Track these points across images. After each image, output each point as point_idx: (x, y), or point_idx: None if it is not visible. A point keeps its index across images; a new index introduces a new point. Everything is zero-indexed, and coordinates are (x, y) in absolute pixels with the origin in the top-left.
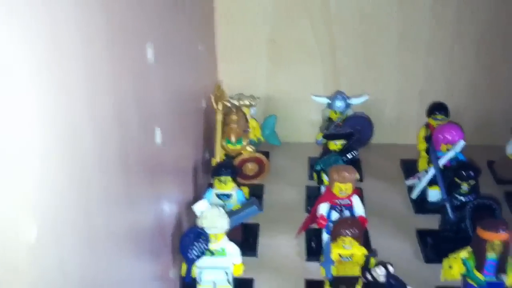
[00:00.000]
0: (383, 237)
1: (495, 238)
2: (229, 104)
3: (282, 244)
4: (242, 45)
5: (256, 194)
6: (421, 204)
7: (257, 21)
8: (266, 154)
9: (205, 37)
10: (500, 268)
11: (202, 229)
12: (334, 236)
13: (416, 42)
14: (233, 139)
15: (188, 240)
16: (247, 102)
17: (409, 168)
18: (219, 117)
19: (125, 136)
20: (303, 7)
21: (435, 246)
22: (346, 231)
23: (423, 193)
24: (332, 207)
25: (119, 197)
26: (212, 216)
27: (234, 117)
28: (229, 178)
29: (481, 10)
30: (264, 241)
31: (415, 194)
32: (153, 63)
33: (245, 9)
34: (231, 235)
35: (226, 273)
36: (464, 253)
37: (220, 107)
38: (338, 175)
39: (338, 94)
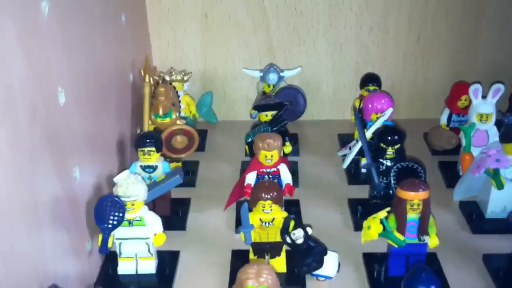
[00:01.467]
0: (315, 207)
1: (415, 198)
2: (157, 78)
3: (212, 218)
4: (174, 20)
5: (191, 170)
6: (354, 175)
7: None
8: (204, 132)
9: (132, 9)
10: (422, 229)
11: (118, 197)
12: (253, 201)
13: (347, 14)
14: (160, 112)
15: (103, 209)
16: (178, 77)
17: (346, 142)
18: (147, 90)
19: (11, 87)
20: None
21: (364, 214)
22: (265, 194)
23: (357, 164)
24: (260, 176)
25: (8, 164)
26: (127, 184)
27: (161, 89)
28: (153, 149)
29: None
30: (194, 216)
31: (345, 163)
32: (48, 18)
33: None
34: (160, 209)
35: (147, 244)
36: (383, 213)
37: (147, 79)
38: (263, 142)
39: (271, 67)
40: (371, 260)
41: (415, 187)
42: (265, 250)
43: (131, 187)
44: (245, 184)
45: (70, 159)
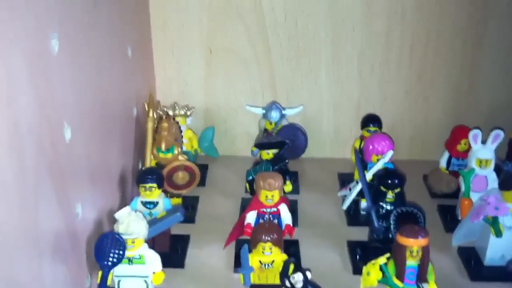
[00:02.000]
0: (314, 247)
1: (414, 245)
2: (161, 112)
3: (211, 256)
4: (178, 54)
5: (190, 205)
6: (354, 216)
7: (192, 30)
8: (204, 167)
9: (138, 43)
10: (420, 275)
11: (118, 234)
12: (253, 242)
13: (350, 52)
14: (163, 147)
15: (103, 246)
16: (181, 112)
17: (346, 181)
18: (150, 125)
19: (19, 124)
20: (238, 16)
21: (363, 257)
22: (265, 236)
23: (357, 205)
24: (260, 216)
25: (12, 198)
26: (128, 221)
27: (165, 124)
28: (154, 185)
29: (410, 20)
30: (193, 252)
31: (345, 205)
32: (58, 56)
33: (181, 18)
34: (159, 246)
35: (146, 282)
36: (383, 259)
37: (150, 114)
38: (264, 182)
39: (273, 104)
40: None
41: (415, 233)
42: None
43: (133, 224)
44: (245, 223)
45: (73, 195)
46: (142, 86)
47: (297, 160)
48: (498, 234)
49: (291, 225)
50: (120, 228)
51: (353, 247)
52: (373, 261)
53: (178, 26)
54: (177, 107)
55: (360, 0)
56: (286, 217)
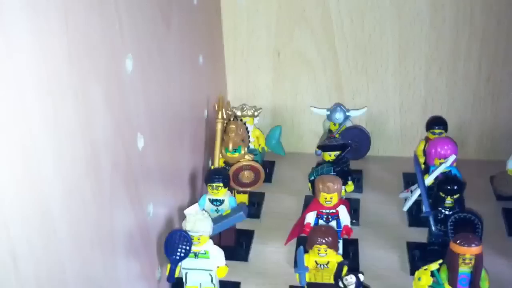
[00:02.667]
0: (373, 247)
1: (467, 253)
2: (230, 113)
3: (274, 251)
4: (248, 57)
5: (256, 202)
6: (415, 217)
7: (262, 34)
8: (272, 164)
9: (210, 50)
10: (474, 283)
11: (186, 231)
12: (309, 244)
13: (417, 54)
14: (230, 147)
15: (172, 242)
16: (249, 113)
17: (410, 181)
18: (219, 126)
19: (96, 142)
20: (305, 20)
21: (421, 259)
22: (320, 238)
23: (419, 206)
24: (319, 216)
25: (87, 199)
26: (194, 220)
27: (232, 126)
28: (221, 184)
29: (479, 22)
30: (256, 247)
31: (406, 206)
32: (132, 74)
33: (250, 23)
34: (225, 240)
35: (210, 275)
36: (435, 265)
37: (220, 116)
38: (323, 185)
39: (337, 106)
40: None
41: (468, 242)
42: None
43: (198, 223)
44: (304, 223)
45: (145, 196)
46: (213, 89)
47: (363, 158)
48: None
49: (349, 226)
50: (187, 226)
51: (412, 248)
52: (425, 267)
53: (248, 32)
54: (245, 108)
55: (427, 2)
56: (344, 218)
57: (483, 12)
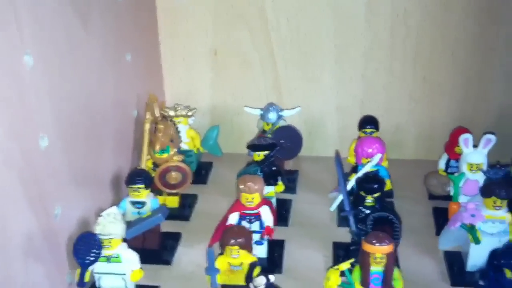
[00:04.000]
0: (300, 248)
1: (378, 252)
2: (157, 114)
3: (200, 254)
4: (185, 57)
5: (188, 204)
6: (344, 217)
7: (198, 33)
8: (209, 165)
9: (141, 48)
10: (385, 282)
11: (95, 235)
12: (222, 245)
13: (353, 54)
14: (157, 148)
15: (81, 245)
16: (183, 113)
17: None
18: (147, 127)
19: None
20: (241, 19)
21: (346, 259)
22: (232, 239)
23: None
24: (242, 217)
25: None
26: (105, 222)
27: (160, 126)
28: (141, 186)
29: (414, 22)
30: (182, 250)
31: (333, 206)
32: (33, 70)
33: (187, 22)
34: (149, 243)
35: (124, 279)
36: (346, 265)
37: (148, 116)
38: (244, 185)
39: (270, 106)
40: None
41: (379, 240)
42: None
43: (109, 226)
44: (227, 224)
45: (51, 198)
46: (145, 88)
47: (299, 158)
48: (476, 241)
49: (271, 226)
50: (97, 228)
51: (337, 248)
52: (336, 266)
53: (185, 30)
54: (178, 108)
55: (363, 2)
56: (267, 219)
57: (417, 12)
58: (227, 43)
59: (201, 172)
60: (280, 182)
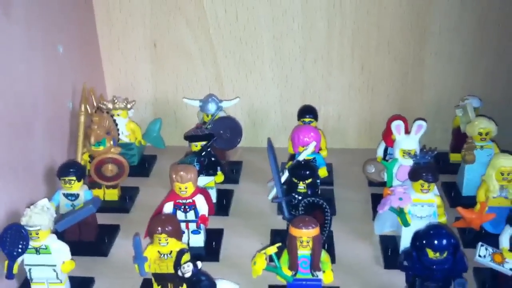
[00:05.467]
0: (238, 237)
1: (303, 235)
2: (103, 106)
3: None
4: (125, 49)
5: (128, 196)
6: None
7: (136, 25)
8: (152, 158)
9: (75, 40)
10: (313, 265)
11: (21, 226)
12: (150, 234)
13: (291, 45)
14: (92, 140)
15: (7, 237)
16: (122, 105)
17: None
18: (81, 119)
19: None
20: (179, 10)
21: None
22: (160, 228)
23: None
24: (177, 207)
25: None
26: (31, 214)
27: (95, 118)
28: (73, 178)
29: (349, 12)
30: (120, 242)
31: (271, 195)
32: None
33: (124, 13)
34: (85, 235)
35: (55, 271)
36: (273, 249)
37: (83, 108)
38: (176, 174)
39: (209, 97)
40: None
41: (304, 224)
42: (167, 280)
43: (34, 217)
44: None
45: None
46: (83, 81)
47: (246, 149)
48: (405, 223)
49: (206, 215)
50: (23, 220)
51: (274, 235)
52: (263, 251)
53: (123, 22)
54: (116, 101)
55: None
56: (201, 208)
57: (353, 2)
58: (166, 34)
59: (144, 164)
60: (219, 172)
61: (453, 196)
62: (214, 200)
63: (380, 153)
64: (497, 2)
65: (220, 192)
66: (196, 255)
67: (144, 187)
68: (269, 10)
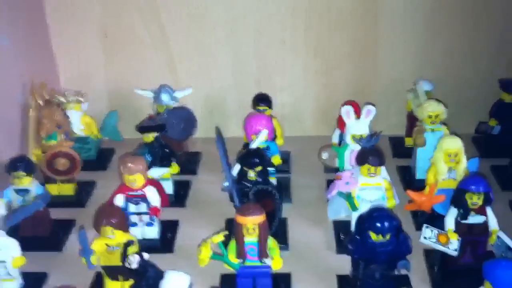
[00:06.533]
0: (194, 227)
1: (248, 222)
2: (56, 100)
3: (91, 239)
4: (77, 40)
5: (84, 190)
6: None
7: (86, 15)
8: (110, 151)
9: (22, 30)
10: (260, 252)
11: None
12: (96, 227)
13: (245, 29)
14: (43, 134)
15: None
16: (74, 98)
17: None
18: (31, 113)
19: None
20: None
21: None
22: (104, 220)
23: None
24: (129, 199)
25: None
26: None
27: (45, 112)
28: (22, 173)
29: None
30: (75, 237)
31: (225, 183)
32: None
33: (74, 3)
34: (40, 230)
35: (5, 267)
36: (219, 237)
37: (34, 102)
38: (124, 166)
39: (162, 87)
40: (225, 281)
41: (249, 211)
42: (117, 272)
43: None
44: None
45: None
46: (34, 74)
47: (205, 140)
48: (353, 208)
49: (158, 206)
50: None
51: (230, 225)
52: (209, 239)
53: (73, 13)
54: (68, 94)
55: None
56: (152, 199)
57: None
58: (117, 24)
59: (102, 158)
60: (174, 164)
61: (408, 180)
62: (171, 191)
63: (335, 139)
64: None
65: (177, 184)
66: (151, 247)
67: (101, 181)
68: None
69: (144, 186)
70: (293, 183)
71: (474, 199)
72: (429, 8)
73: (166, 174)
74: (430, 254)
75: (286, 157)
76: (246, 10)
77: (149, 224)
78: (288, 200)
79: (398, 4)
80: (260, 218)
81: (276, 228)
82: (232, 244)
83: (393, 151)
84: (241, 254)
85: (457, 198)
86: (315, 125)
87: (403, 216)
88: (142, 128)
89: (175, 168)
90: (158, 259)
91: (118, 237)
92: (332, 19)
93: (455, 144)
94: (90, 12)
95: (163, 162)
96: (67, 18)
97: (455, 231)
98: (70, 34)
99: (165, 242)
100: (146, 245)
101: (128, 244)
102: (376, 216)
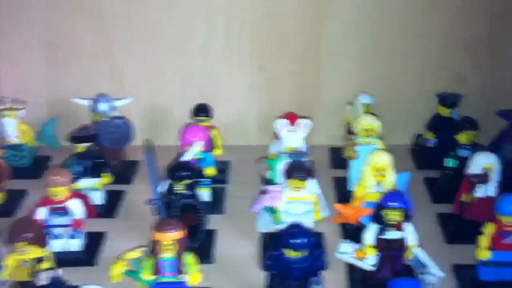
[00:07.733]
0: (122, 239)
1: (165, 239)
2: None
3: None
4: (19, 48)
5: (15, 199)
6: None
7: (30, 23)
8: (46, 158)
9: None
10: (178, 268)
11: None
12: (9, 242)
13: (192, 44)
14: None
15: None
16: (9, 106)
17: None
18: None
19: None
20: (76, 7)
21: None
22: (17, 237)
23: None
24: (52, 212)
25: None
26: None
27: None
28: None
29: (249, 13)
30: None
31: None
32: None
33: (18, 10)
34: None
35: None
36: (136, 253)
37: None
38: (47, 179)
39: (100, 97)
40: None
41: (164, 228)
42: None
43: None
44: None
45: None
46: None
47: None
48: (278, 222)
49: (81, 219)
50: None
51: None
52: (125, 255)
53: (15, 19)
54: (4, 101)
55: None
56: (76, 212)
57: (250, 1)
58: (62, 32)
59: (37, 166)
60: (106, 174)
61: (343, 191)
62: (102, 202)
63: (272, 150)
64: (393, 7)
65: (110, 194)
66: (74, 259)
67: (33, 190)
68: (171, 5)
69: (68, 198)
70: (229, 194)
71: (391, 215)
72: (371, 27)
73: (97, 184)
74: (353, 268)
75: (224, 167)
76: (192, 26)
77: (73, 236)
78: (220, 211)
79: (341, 24)
80: (177, 234)
81: (203, 241)
82: (148, 260)
83: (332, 162)
84: (158, 270)
85: (376, 213)
86: (260, 135)
87: (333, 228)
88: (75, 139)
89: (106, 178)
90: (81, 272)
91: (32, 252)
92: (275, 38)
93: (382, 159)
94: (33, 19)
95: (94, 172)
96: (9, 25)
97: (376, 246)
98: (12, 42)
99: (89, 255)
100: (70, 258)
101: (40, 260)
102: (290, 232)
